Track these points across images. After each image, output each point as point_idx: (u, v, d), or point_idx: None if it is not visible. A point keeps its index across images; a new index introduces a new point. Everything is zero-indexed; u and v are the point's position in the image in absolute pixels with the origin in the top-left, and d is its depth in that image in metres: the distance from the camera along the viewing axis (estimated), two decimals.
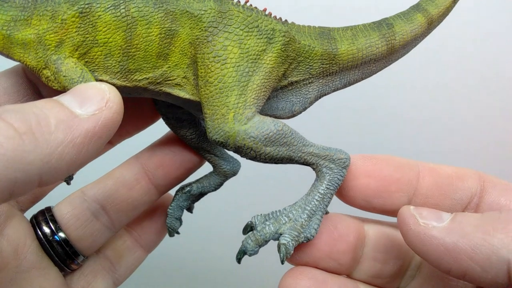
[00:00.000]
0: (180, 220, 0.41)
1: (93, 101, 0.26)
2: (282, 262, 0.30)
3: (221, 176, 0.40)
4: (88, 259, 0.40)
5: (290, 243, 0.30)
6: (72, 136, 0.24)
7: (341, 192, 0.32)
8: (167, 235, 0.43)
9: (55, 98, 0.26)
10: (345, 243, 0.31)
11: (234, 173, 0.40)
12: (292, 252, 0.30)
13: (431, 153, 0.31)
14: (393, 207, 0.31)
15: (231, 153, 0.40)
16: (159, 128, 0.39)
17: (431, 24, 0.36)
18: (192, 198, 0.40)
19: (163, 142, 0.40)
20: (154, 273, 0.67)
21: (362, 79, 0.36)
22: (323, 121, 0.60)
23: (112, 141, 0.39)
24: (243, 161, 0.41)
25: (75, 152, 0.24)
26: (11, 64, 0.35)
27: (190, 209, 0.42)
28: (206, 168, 0.41)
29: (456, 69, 0.64)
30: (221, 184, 0.41)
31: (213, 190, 0.41)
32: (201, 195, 0.41)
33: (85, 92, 0.26)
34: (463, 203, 0.31)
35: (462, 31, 0.62)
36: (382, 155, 0.32)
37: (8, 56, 0.31)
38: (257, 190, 0.64)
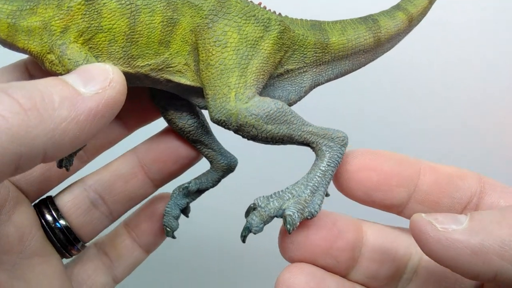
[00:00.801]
0: (177, 220, 0.40)
1: (97, 81, 0.26)
2: (289, 232, 0.29)
3: (219, 171, 0.40)
4: (89, 252, 0.40)
5: (295, 214, 0.30)
6: (76, 113, 0.25)
7: (342, 184, 0.32)
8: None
9: (59, 76, 0.27)
10: (344, 240, 0.31)
11: (232, 169, 0.40)
12: (298, 224, 0.30)
13: (429, 156, 0.32)
14: (393, 202, 0.31)
15: (228, 148, 0.41)
16: (156, 122, 0.40)
17: (412, 22, 0.39)
18: (190, 195, 0.40)
19: (160, 136, 0.40)
20: (154, 271, 0.65)
21: (353, 70, 0.38)
22: (321, 120, 0.61)
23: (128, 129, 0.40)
24: (240, 157, 0.41)
25: (78, 129, 0.25)
26: (13, 60, 0.35)
27: (186, 212, 0.42)
28: (204, 167, 0.41)
29: (456, 68, 0.65)
30: (219, 180, 0.41)
31: (211, 187, 0.40)
32: (199, 192, 0.41)
33: (90, 71, 0.27)
34: (462, 203, 0.31)
35: (462, 30, 0.64)
36: (384, 150, 0.32)
37: (11, 45, 0.32)
38: (254, 186, 0.63)
